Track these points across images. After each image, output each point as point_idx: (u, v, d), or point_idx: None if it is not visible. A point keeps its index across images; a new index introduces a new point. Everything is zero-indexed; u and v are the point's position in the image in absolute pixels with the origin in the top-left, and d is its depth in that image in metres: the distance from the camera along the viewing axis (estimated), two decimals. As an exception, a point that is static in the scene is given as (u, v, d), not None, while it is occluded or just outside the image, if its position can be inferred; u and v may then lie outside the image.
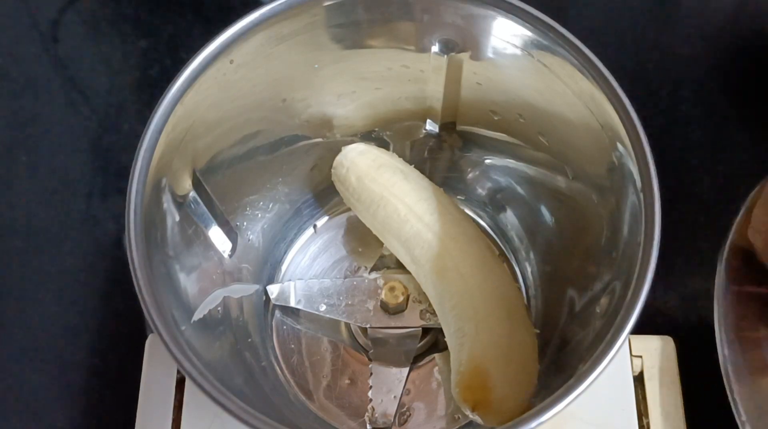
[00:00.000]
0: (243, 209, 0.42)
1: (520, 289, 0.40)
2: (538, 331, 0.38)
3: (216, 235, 0.40)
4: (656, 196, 0.32)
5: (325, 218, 0.47)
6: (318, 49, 0.38)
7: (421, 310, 0.42)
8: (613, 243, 0.35)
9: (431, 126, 0.43)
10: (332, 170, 0.42)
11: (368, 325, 0.42)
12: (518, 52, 0.36)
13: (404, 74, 0.40)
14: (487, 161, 0.44)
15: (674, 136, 0.52)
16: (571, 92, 0.35)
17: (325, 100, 0.41)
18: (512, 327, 0.37)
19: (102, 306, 0.48)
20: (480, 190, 0.45)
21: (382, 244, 0.43)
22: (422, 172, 0.42)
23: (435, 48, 0.38)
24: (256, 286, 0.43)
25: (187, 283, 0.37)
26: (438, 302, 0.39)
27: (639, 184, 0.32)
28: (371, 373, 0.41)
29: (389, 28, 0.38)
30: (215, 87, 0.35)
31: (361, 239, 0.45)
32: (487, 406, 0.36)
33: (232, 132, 0.38)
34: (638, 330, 0.31)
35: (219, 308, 0.38)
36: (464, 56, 0.38)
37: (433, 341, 0.42)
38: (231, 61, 0.35)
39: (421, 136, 0.44)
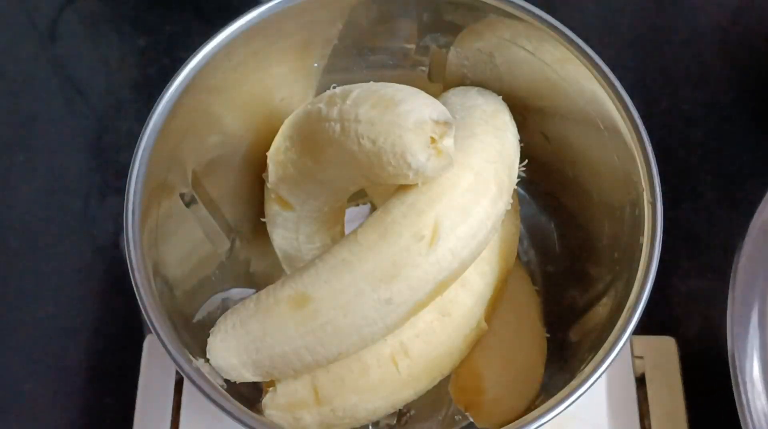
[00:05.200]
0: (242, 210, 0.42)
1: (535, 292, 0.39)
2: (548, 336, 0.38)
3: (215, 235, 0.40)
4: (658, 196, 0.31)
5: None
6: (317, 48, 0.38)
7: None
8: (614, 243, 0.35)
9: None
10: None
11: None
12: (520, 50, 0.36)
13: (404, 72, 0.40)
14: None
15: (676, 136, 0.52)
16: (573, 91, 0.35)
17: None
18: (518, 331, 0.37)
19: (100, 306, 0.48)
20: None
21: None
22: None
23: (435, 46, 0.38)
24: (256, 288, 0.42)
25: (186, 283, 0.36)
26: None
27: (641, 183, 0.32)
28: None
29: (389, 27, 0.37)
30: (214, 86, 0.35)
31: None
32: (479, 407, 0.36)
33: (231, 131, 0.38)
34: (640, 330, 0.31)
35: (218, 310, 0.38)
36: (464, 54, 0.38)
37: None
38: (230, 60, 0.35)
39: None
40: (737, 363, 0.36)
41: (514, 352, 0.36)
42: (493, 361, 0.36)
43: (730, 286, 0.37)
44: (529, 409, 0.35)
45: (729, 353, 0.36)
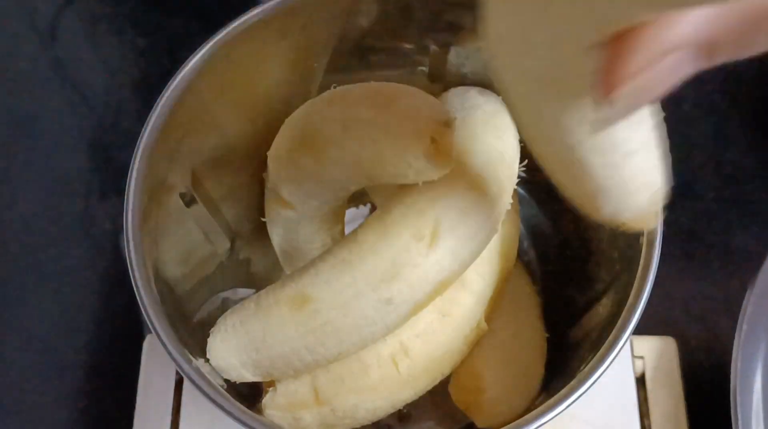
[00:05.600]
0: (242, 210, 0.42)
1: (535, 292, 0.39)
2: (548, 336, 0.38)
3: (215, 235, 0.40)
4: (658, 196, 0.31)
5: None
6: (317, 48, 0.38)
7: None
8: (614, 243, 0.35)
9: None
10: None
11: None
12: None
13: (404, 72, 0.40)
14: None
15: (675, 136, 0.52)
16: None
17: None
18: (517, 331, 0.37)
19: (100, 306, 0.47)
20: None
21: None
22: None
23: (435, 46, 0.38)
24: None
25: (186, 283, 0.36)
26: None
27: (641, 183, 0.32)
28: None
29: (389, 27, 0.37)
30: (214, 86, 0.35)
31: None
32: (478, 407, 0.36)
33: (231, 131, 0.38)
34: (640, 330, 0.31)
35: (218, 310, 0.38)
36: (465, 54, 0.38)
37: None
38: (230, 60, 0.35)
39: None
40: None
41: (514, 352, 0.36)
42: (493, 361, 0.36)
43: (735, 341, 0.38)
44: (529, 409, 0.35)
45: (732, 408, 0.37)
